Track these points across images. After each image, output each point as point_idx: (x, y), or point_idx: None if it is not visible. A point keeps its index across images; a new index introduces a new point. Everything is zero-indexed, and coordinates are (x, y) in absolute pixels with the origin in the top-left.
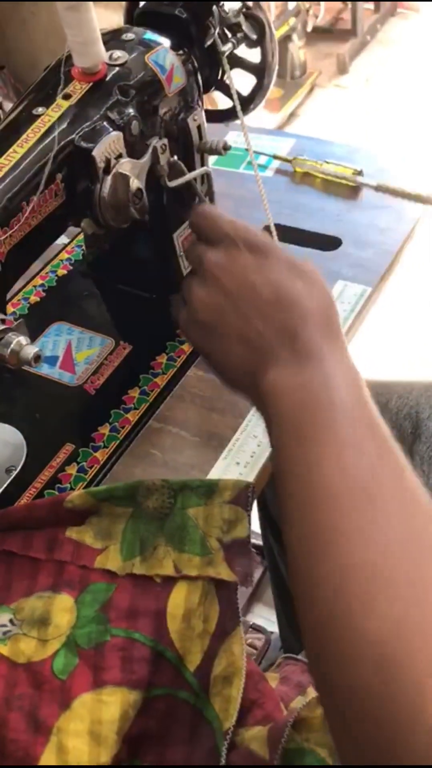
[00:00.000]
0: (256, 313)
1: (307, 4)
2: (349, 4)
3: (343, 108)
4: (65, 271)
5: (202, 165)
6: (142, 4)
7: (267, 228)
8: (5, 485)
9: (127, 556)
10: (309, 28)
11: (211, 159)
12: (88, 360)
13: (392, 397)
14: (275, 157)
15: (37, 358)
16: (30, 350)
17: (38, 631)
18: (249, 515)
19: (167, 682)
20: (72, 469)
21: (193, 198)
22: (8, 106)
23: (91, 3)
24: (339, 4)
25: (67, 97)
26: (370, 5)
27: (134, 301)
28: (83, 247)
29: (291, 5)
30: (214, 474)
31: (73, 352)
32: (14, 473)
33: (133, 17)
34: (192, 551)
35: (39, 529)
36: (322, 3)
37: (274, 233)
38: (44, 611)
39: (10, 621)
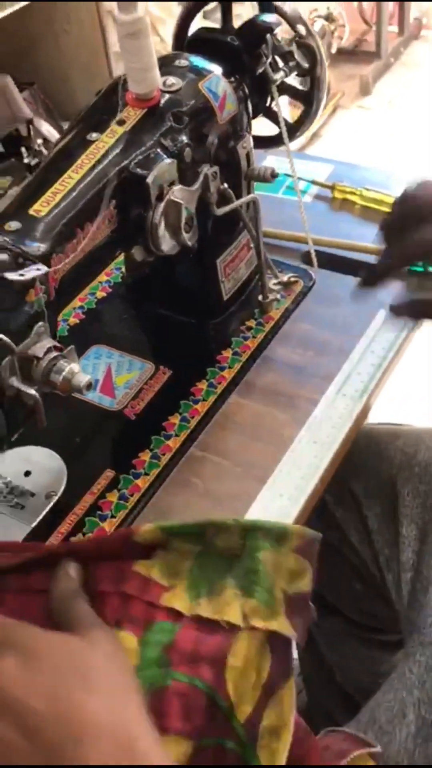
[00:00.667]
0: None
1: (332, 26)
2: (374, 26)
3: (366, 129)
4: (104, 294)
5: (248, 192)
6: (192, 31)
7: (308, 254)
8: (45, 511)
9: (193, 595)
10: (333, 50)
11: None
12: (128, 384)
13: (421, 448)
14: (314, 182)
15: (89, 385)
16: (82, 378)
17: None
18: (313, 568)
19: (218, 732)
20: (113, 497)
21: (238, 224)
22: (39, 122)
23: (149, 30)
24: (363, 26)
25: (121, 123)
26: (395, 28)
27: (174, 326)
28: (122, 270)
29: (316, 27)
30: (257, 507)
31: (113, 376)
32: (55, 499)
33: (182, 44)
34: (261, 599)
35: (105, 561)
36: (346, 25)
37: (315, 260)
38: None
39: None
